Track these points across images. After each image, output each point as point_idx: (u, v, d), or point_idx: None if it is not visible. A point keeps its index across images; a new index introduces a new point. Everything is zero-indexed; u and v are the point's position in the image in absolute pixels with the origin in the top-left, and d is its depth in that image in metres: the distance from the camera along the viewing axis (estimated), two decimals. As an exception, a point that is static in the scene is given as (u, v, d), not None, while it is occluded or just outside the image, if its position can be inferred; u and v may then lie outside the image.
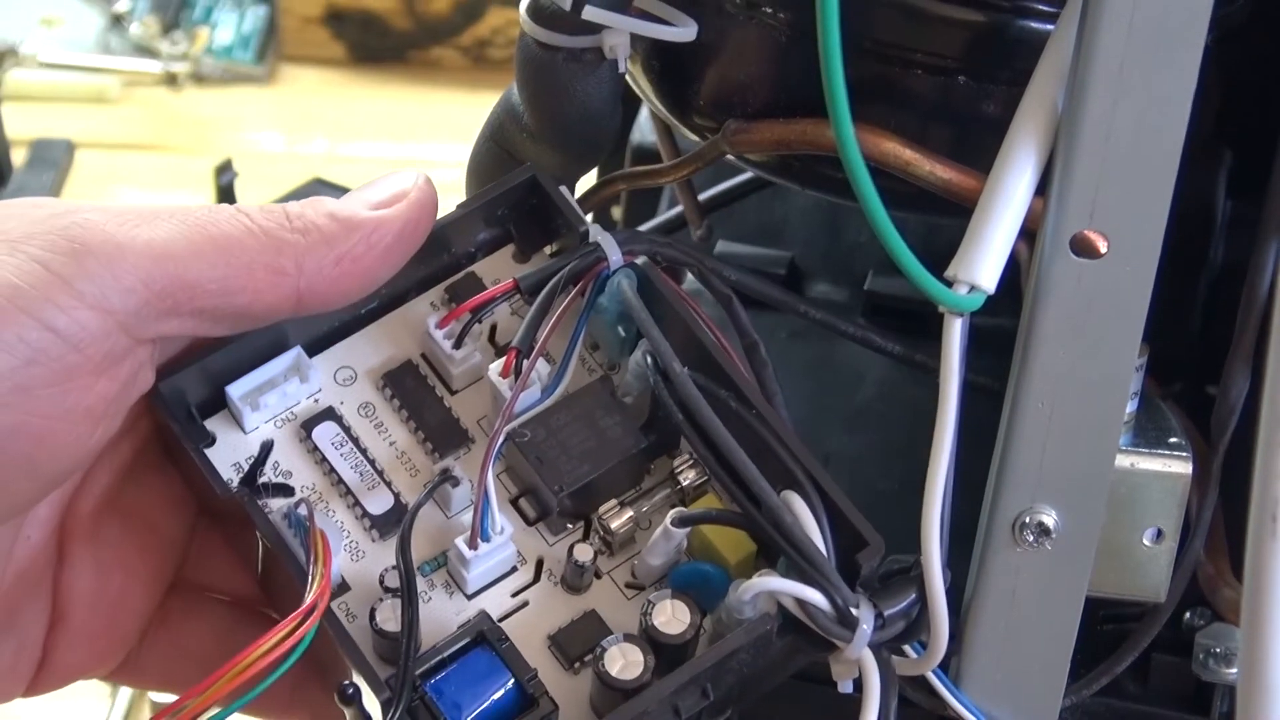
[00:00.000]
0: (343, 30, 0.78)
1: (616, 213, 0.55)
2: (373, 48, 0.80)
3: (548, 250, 0.38)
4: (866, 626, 0.31)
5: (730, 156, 0.40)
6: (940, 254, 0.33)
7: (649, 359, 0.35)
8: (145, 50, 0.78)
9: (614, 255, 0.35)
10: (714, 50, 0.38)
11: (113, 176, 0.73)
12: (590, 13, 0.34)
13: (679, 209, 0.49)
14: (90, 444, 0.33)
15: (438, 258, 0.38)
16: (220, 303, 0.33)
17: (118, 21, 0.79)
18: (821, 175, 0.38)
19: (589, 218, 0.40)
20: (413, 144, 0.77)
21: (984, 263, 0.31)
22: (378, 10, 0.76)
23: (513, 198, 0.37)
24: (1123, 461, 0.36)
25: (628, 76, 0.40)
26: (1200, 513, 0.38)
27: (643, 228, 0.52)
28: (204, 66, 0.77)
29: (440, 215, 0.36)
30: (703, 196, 0.49)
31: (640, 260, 0.36)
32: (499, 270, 0.38)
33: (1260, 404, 0.31)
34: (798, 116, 0.36)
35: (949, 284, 0.32)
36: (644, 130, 0.51)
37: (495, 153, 0.41)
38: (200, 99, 0.77)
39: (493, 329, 0.37)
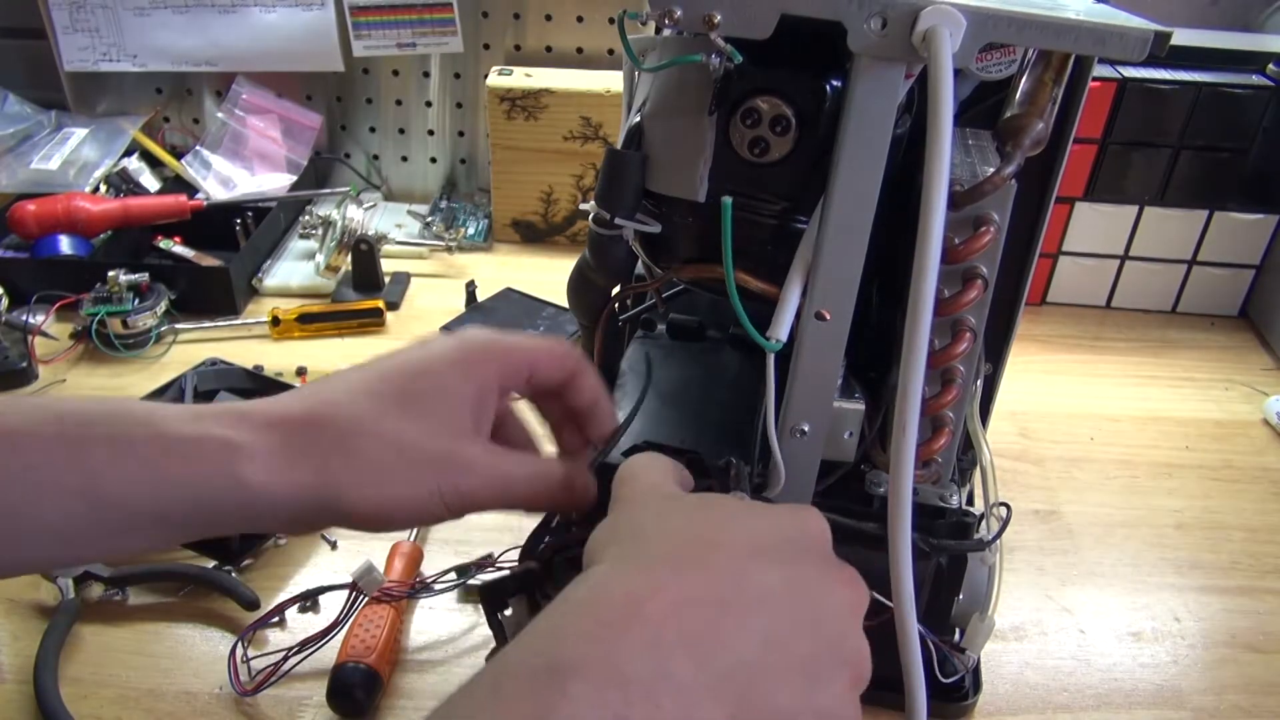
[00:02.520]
0: (518, 228, 1.27)
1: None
2: (530, 236, 1.27)
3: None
4: (743, 481, 0.47)
5: (674, 279, 0.54)
6: (763, 324, 0.46)
7: None
8: (438, 236, 1.24)
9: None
10: (666, 235, 0.52)
11: (425, 287, 1.16)
12: (618, 221, 0.51)
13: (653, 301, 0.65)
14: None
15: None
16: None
17: (427, 225, 1.26)
18: (713, 287, 0.51)
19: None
20: (543, 275, 1.17)
21: (781, 328, 0.46)
22: (533, 219, 1.18)
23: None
24: (835, 404, 0.50)
25: (633, 245, 0.54)
26: (870, 425, 0.53)
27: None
28: (462, 243, 1.23)
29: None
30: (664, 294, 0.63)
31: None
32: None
33: (897, 382, 0.42)
34: (703, 263, 0.51)
35: (767, 337, 0.46)
36: (639, 266, 0.61)
37: (577, 277, 0.60)
38: (462, 258, 1.23)
39: None
